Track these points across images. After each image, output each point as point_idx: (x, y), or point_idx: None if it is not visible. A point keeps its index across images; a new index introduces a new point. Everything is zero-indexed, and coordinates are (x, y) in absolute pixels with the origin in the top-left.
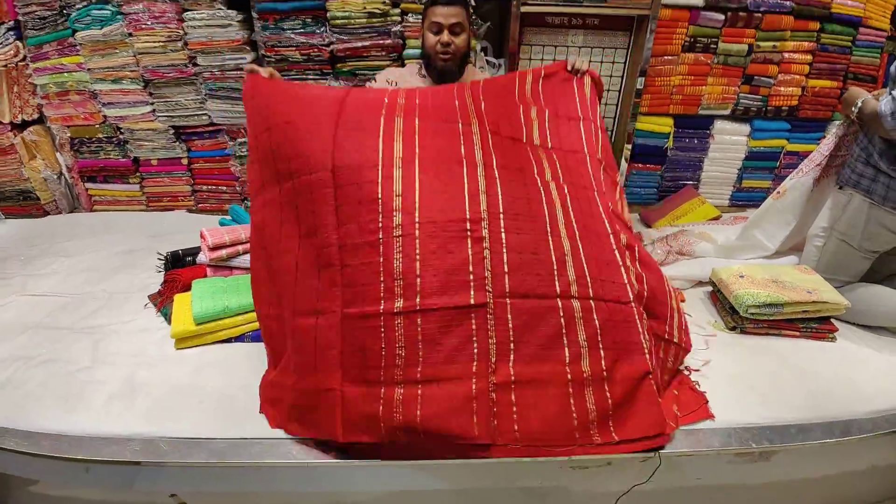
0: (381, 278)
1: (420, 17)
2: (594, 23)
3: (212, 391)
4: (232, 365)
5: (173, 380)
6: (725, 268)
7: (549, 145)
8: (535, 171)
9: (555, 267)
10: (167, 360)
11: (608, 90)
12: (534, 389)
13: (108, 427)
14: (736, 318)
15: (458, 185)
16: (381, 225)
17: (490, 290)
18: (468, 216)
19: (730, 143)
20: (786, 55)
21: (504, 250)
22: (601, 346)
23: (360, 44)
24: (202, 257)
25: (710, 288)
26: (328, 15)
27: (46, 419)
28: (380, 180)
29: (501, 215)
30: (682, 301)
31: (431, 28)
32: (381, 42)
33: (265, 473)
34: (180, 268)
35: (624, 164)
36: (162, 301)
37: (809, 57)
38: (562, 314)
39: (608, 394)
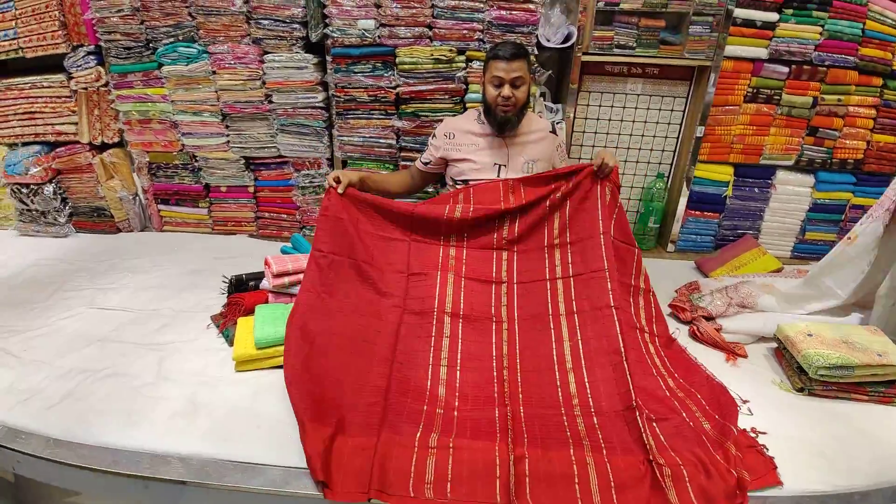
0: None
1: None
2: (653, 72)
3: (268, 416)
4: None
5: (232, 402)
6: (792, 324)
7: (571, 273)
8: (550, 313)
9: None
10: (227, 382)
11: (666, 137)
12: None
13: (169, 445)
14: (804, 378)
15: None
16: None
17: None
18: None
19: (793, 193)
20: (850, 109)
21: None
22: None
23: (424, 87)
24: (265, 283)
25: (773, 344)
26: (397, 60)
27: (108, 433)
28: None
29: (518, 373)
30: (744, 356)
31: (493, 81)
32: (445, 86)
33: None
34: (243, 291)
35: (681, 210)
36: (224, 323)
37: (874, 112)
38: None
39: None
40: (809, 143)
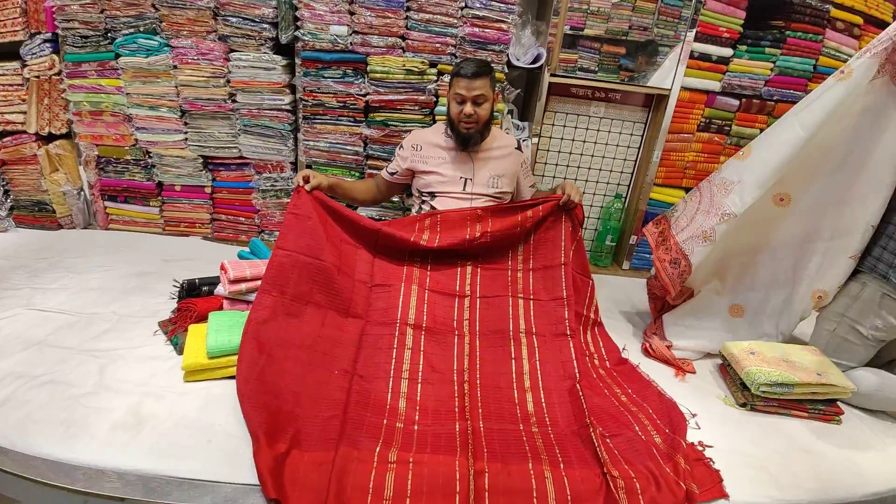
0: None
1: None
2: (616, 97)
3: (219, 430)
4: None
5: (180, 414)
6: (736, 343)
7: (532, 296)
8: (511, 329)
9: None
10: (175, 392)
11: (625, 159)
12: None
13: (111, 459)
14: (747, 394)
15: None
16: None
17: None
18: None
19: None
20: None
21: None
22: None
23: (395, 97)
24: (220, 289)
25: (719, 360)
26: (368, 68)
27: (47, 444)
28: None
29: (479, 388)
30: (692, 372)
31: (455, 98)
32: (416, 98)
33: None
34: (195, 297)
35: (636, 231)
36: (174, 329)
37: None
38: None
39: None
40: None
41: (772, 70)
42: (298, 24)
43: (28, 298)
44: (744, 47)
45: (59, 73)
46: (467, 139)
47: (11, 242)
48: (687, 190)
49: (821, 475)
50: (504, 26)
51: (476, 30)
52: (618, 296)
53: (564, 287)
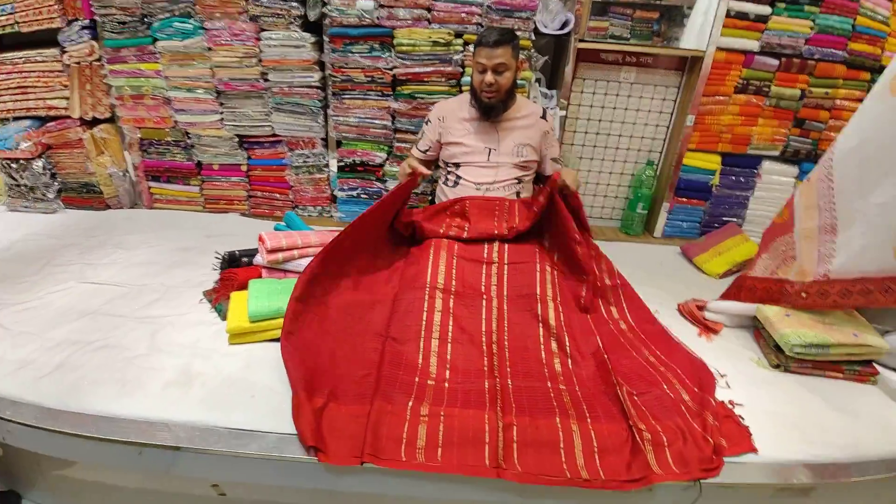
0: None
1: None
2: (647, 61)
3: (262, 387)
4: (280, 364)
5: (226, 372)
6: (771, 306)
7: (556, 268)
8: (538, 295)
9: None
10: (220, 354)
11: (657, 125)
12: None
13: (164, 412)
14: (780, 356)
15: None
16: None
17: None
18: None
19: (777, 183)
20: (837, 102)
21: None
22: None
23: (421, 69)
24: (259, 259)
25: (752, 328)
26: (394, 42)
27: (101, 402)
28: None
29: (507, 349)
30: (716, 332)
31: (477, 67)
32: (442, 69)
33: (310, 469)
34: (236, 267)
35: (669, 197)
36: (217, 297)
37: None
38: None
39: None
40: (795, 134)
41: (811, 28)
42: (326, 0)
43: (80, 273)
44: (783, 5)
45: (99, 59)
46: (489, 108)
47: (61, 223)
48: (723, 155)
49: (854, 433)
50: None
51: None
52: (649, 264)
53: (582, 264)
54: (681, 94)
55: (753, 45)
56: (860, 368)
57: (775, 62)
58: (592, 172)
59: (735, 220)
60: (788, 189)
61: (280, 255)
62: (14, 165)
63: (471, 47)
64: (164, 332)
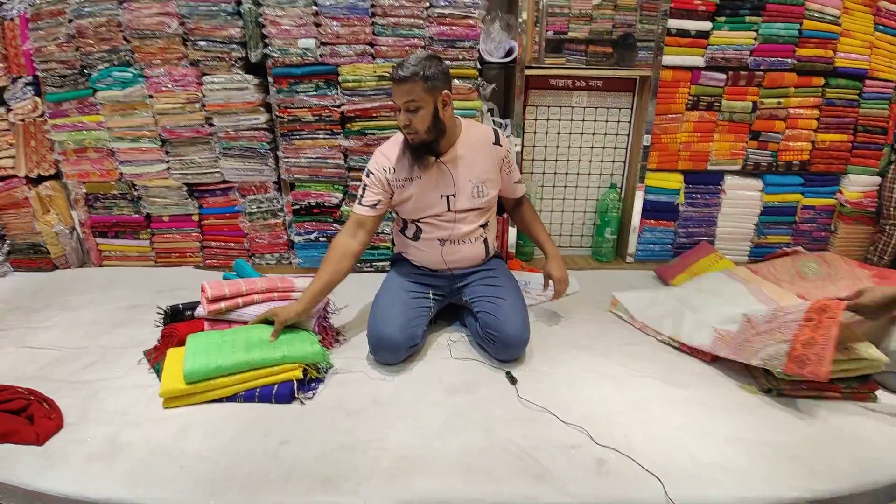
0: None
1: None
2: (598, 85)
3: (193, 455)
4: (218, 427)
5: (155, 441)
6: None
7: None
8: None
9: None
10: (153, 420)
11: (615, 147)
12: None
13: (83, 489)
14: (771, 379)
15: None
16: None
17: None
18: None
19: (742, 198)
20: (791, 111)
21: None
22: None
23: (369, 105)
24: (200, 311)
25: None
26: (340, 78)
27: (26, 474)
28: None
29: None
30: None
31: (394, 105)
32: (391, 104)
33: None
34: (179, 322)
35: (636, 220)
36: (156, 356)
37: (816, 112)
38: None
39: None
40: (753, 147)
41: (755, 39)
42: (267, 41)
43: (20, 338)
44: (723, 18)
45: (42, 115)
46: (414, 149)
47: (9, 287)
48: (685, 173)
49: (860, 458)
50: (471, 21)
51: (444, 28)
52: (623, 290)
53: None
54: (634, 115)
55: (698, 61)
56: (857, 385)
57: (722, 76)
58: (556, 200)
59: (706, 238)
60: (755, 203)
61: (223, 304)
62: None
63: None
64: (96, 398)
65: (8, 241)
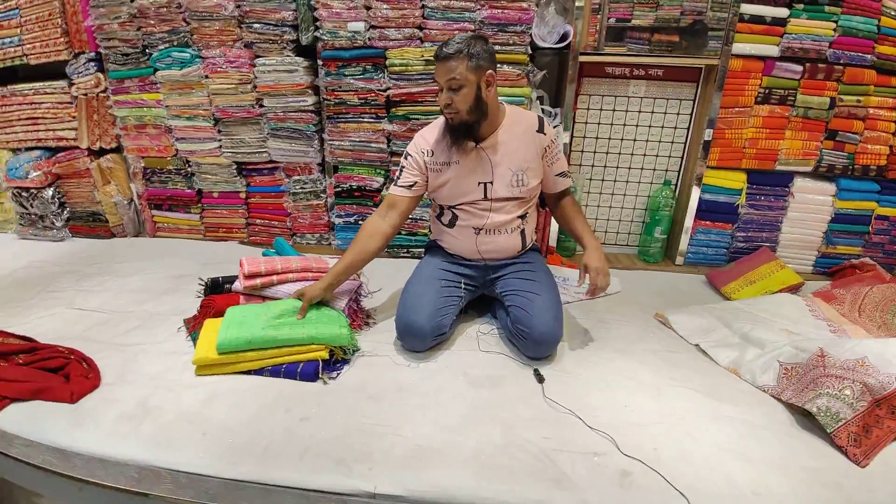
0: None
1: None
2: (657, 73)
3: (217, 423)
4: (243, 399)
5: (183, 406)
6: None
7: None
8: None
9: None
10: (184, 386)
11: (672, 142)
12: None
13: (109, 448)
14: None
15: None
16: None
17: None
18: None
19: (813, 202)
20: (871, 111)
21: None
22: None
23: (415, 89)
24: (237, 285)
25: None
26: (387, 62)
27: (53, 432)
28: None
29: None
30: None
31: (437, 85)
32: (435, 87)
33: None
34: (217, 294)
35: (689, 221)
36: (194, 325)
37: (895, 114)
38: None
39: None
40: (829, 147)
41: (834, 30)
42: (317, 24)
43: (70, 299)
44: (800, 6)
45: (104, 91)
46: (454, 130)
47: (65, 251)
48: (749, 172)
49: None
50: (525, 4)
51: (495, 11)
52: (671, 294)
53: None
54: (696, 108)
55: (773, 50)
56: None
57: (799, 68)
58: (604, 195)
59: (768, 244)
60: (826, 209)
61: (258, 281)
62: (24, 194)
63: None
64: (135, 360)
65: (68, 209)
